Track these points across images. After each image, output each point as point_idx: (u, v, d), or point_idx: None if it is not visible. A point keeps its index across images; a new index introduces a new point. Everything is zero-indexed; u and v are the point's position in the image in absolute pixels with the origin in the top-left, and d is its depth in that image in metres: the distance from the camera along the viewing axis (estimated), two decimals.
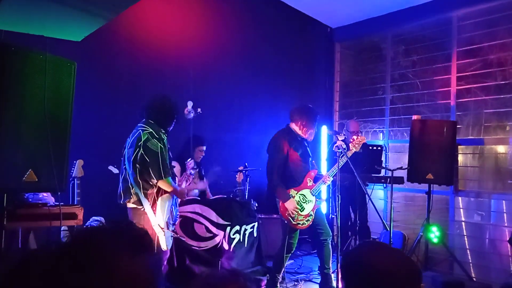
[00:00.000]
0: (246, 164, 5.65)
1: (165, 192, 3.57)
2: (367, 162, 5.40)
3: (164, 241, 3.53)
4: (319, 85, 7.39)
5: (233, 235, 4.86)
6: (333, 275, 4.51)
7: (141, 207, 3.48)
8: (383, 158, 5.89)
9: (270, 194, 4.53)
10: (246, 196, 5.61)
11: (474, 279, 5.11)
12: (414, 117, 5.46)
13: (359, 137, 4.63)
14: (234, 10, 6.22)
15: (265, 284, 4.61)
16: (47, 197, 3.38)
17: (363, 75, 7.11)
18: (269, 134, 6.38)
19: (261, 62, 6.48)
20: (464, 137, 5.70)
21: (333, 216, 6.42)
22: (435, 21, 6.08)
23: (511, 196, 5.20)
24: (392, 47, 6.72)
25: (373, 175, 5.47)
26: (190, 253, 4.59)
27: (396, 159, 6.50)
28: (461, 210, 5.71)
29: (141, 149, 3.41)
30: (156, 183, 3.47)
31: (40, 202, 3.14)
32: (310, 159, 4.46)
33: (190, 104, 5.04)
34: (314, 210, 4.36)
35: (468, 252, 5.50)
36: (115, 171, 4.43)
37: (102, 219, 4.28)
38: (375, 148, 5.69)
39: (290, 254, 4.39)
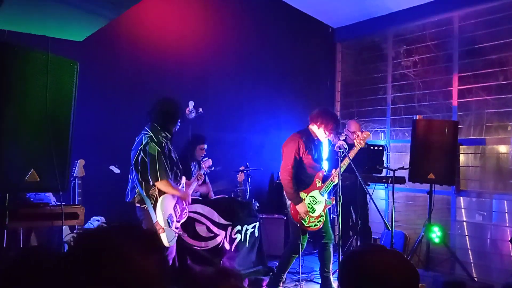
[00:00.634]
0: (248, 164, 5.65)
1: (165, 192, 3.69)
2: (369, 162, 5.39)
3: (165, 238, 3.62)
4: (320, 85, 7.38)
5: (235, 235, 4.86)
6: (332, 277, 4.52)
7: (144, 206, 3.68)
8: (384, 158, 5.87)
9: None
10: (247, 196, 5.61)
11: (476, 279, 5.11)
12: (416, 117, 5.45)
13: (363, 132, 4.64)
14: (235, 10, 6.22)
15: (266, 284, 4.61)
16: (49, 196, 3.38)
17: (364, 75, 7.10)
18: (270, 134, 6.40)
19: (262, 62, 6.48)
20: (466, 137, 5.70)
21: (334, 216, 6.42)
22: (437, 21, 6.08)
23: None
24: (393, 47, 6.72)
25: (374, 175, 5.46)
26: (191, 253, 4.60)
27: (398, 159, 6.50)
28: (463, 210, 5.70)
29: (142, 153, 3.61)
30: (155, 184, 3.62)
31: (41, 202, 3.14)
32: (322, 162, 4.49)
33: (191, 104, 5.05)
34: (325, 210, 4.38)
35: (470, 252, 5.50)
36: (116, 171, 4.44)
37: (103, 219, 4.29)
38: (376, 148, 5.68)
39: (297, 255, 4.38)
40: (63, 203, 2.78)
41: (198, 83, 5.70)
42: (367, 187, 4.74)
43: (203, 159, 4.90)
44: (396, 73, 6.66)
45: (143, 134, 3.67)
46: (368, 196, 4.71)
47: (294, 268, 5.37)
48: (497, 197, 5.36)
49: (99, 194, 4.38)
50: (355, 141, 4.44)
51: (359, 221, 5.42)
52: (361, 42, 7.29)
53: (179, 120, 3.88)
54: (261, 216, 5.40)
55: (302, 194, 4.27)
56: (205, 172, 4.83)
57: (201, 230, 4.68)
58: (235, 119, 6.19)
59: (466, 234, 5.60)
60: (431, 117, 6.08)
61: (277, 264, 4.63)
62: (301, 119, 6.62)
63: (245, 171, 5.60)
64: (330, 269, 4.48)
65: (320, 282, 4.61)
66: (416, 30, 6.36)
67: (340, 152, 4.24)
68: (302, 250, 4.42)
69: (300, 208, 4.21)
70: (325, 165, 5.86)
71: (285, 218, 5.45)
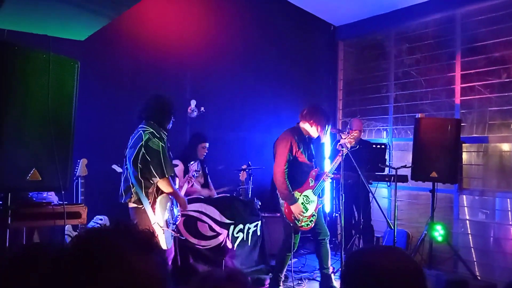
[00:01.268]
0: (250, 162, 5.64)
1: (164, 192, 3.61)
2: (371, 161, 5.38)
3: (163, 240, 3.56)
4: (322, 84, 7.37)
5: (237, 233, 4.86)
6: (333, 276, 4.51)
7: (141, 206, 3.54)
8: (386, 157, 5.87)
9: (273, 194, 4.49)
10: (250, 194, 5.61)
11: (479, 277, 5.09)
12: (418, 115, 5.44)
13: (352, 131, 4.63)
14: (236, 8, 6.21)
15: (268, 283, 4.60)
16: (51, 196, 3.39)
17: (366, 73, 7.09)
18: (272, 133, 6.38)
19: (264, 60, 6.47)
20: (468, 135, 5.68)
21: (336, 214, 6.41)
22: (439, 19, 6.06)
23: None
24: (395, 45, 6.70)
25: (376, 173, 5.46)
26: (193, 252, 4.60)
27: (400, 157, 6.48)
28: (466, 208, 5.69)
29: (143, 149, 3.48)
30: (157, 182, 3.53)
31: (44, 201, 3.14)
32: (314, 160, 4.45)
33: (193, 103, 5.06)
34: (317, 210, 4.35)
35: (473, 250, 5.48)
36: (119, 170, 4.43)
37: (105, 218, 4.29)
38: (378, 146, 5.68)
39: (291, 254, 4.37)
40: (66, 202, 2.78)
41: (200, 82, 5.70)
42: (369, 185, 4.74)
43: (190, 163, 4.80)
44: (398, 71, 6.64)
45: (141, 131, 3.56)
46: (370, 194, 4.70)
47: (297, 267, 5.38)
48: (500, 195, 5.35)
49: (101, 193, 4.39)
50: (345, 140, 4.34)
51: (362, 220, 5.42)
52: (363, 40, 7.27)
53: (172, 118, 3.80)
54: (263, 214, 5.40)
55: (296, 194, 4.22)
56: (193, 175, 4.74)
57: (203, 229, 4.68)
58: (237, 117, 6.18)
59: (469, 232, 5.59)
60: (433, 115, 6.06)
61: (274, 264, 4.62)
62: None
63: (247, 170, 5.59)
64: (329, 265, 4.45)
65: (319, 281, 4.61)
66: (418, 28, 6.34)
67: (342, 150, 4.23)
68: (295, 249, 4.40)
69: (295, 208, 4.17)
70: (327, 164, 5.87)
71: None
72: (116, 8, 2.53)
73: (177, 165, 4.61)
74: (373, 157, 5.47)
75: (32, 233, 3.52)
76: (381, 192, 6.33)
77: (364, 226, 5.48)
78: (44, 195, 3.28)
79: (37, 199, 3.14)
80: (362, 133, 6.01)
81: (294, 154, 4.21)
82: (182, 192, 4.35)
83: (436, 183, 5.15)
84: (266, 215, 5.58)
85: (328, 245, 4.42)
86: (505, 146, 5.51)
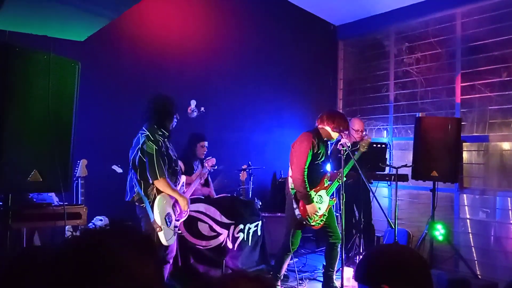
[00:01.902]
0: (250, 162, 5.64)
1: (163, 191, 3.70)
2: (371, 160, 5.37)
3: (163, 237, 3.62)
4: (322, 83, 7.36)
5: (237, 234, 4.86)
6: (335, 276, 4.52)
7: (142, 204, 3.68)
8: (387, 156, 5.86)
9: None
10: (250, 194, 5.61)
11: (480, 276, 5.09)
12: (419, 114, 5.43)
13: (365, 138, 4.69)
14: (237, 9, 6.21)
15: None
16: (51, 197, 3.39)
17: (366, 72, 7.08)
18: (272, 133, 6.39)
19: (264, 60, 6.47)
20: (469, 134, 5.68)
21: (337, 214, 6.41)
22: (439, 18, 6.05)
23: None
24: (395, 44, 6.69)
25: (377, 172, 5.45)
26: (194, 252, 4.60)
27: (400, 156, 6.48)
28: (466, 207, 5.68)
29: (139, 152, 3.62)
30: (154, 182, 3.63)
31: (44, 202, 3.14)
32: (328, 162, 4.50)
33: (193, 103, 5.04)
34: (327, 210, 4.39)
35: (473, 249, 5.48)
36: (119, 170, 4.43)
37: (105, 218, 4.29)
38: (379, 145, 5.67)
39: (291, 254, 4.39)
40: (66, 203, 2.79)
41: (200, 82, 5.70)
42: (370, 185, 4.74)
43: (207, 158, 4.90)
44: (398, 71, 6.64)
45: (140, 134, 3.69)
46: (371, 194, 4.70)
47: (298, 267, 5.38)
48: (501, 194, 5.34)
49: (101, 194, 4.39)
50: (359, 144, 4.44)
51: (362, 219, 5.42)
52: (363, 39, 7.27)
53: (175, 116, 3.86)
54: (263, 214, 5.40)
55: (312, 193, 4.28)
56: (209, 171, 4.83)
57: (204, 229, 4.68)
58: (237, 117, 6.18)
59: (470, 231, 5.58)
60: (434, 114, 6.06)
61: (273, 264, 4.63)
62: (303, 117, 6.63)
63: (247, 170, 5.59)
64: (335, 269, 4.49)
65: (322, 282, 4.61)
66: (418, 27, 6.33)
67: (344, 150, 4.23)
68: (295, 248, 4.42)
69: (310, 208, 4.23)
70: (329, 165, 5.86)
71: None
72: (115, 8, 2.53)
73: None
74: (374, 157, 5.46)
75: (33, 234, 3.52)
76: (382, 191, 6.33)
77: (365, 225, 5.48)
78: (44, 196, 3.28)
79: (38, 200, 3.15)
80: (363, 133, 6.00)
81: (313, 155, 4.25)
82: (192, 189, 4.41)
83: (436, 182, 5.15)
84: (266, 215, 5.58)
85: (338, 249, 4.43)
86: (505, 145, 5.50)
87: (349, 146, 4.26)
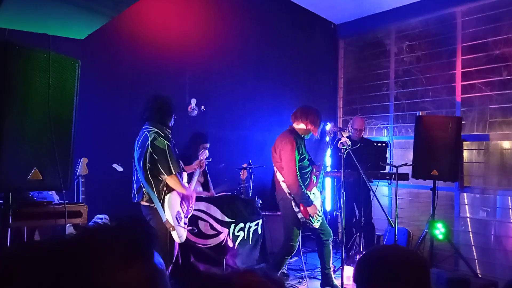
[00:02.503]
0: (250, 161, 5.64)
1: (172, 189, 3.73)
2: (372, 159, 5.38)
3: (176, 235, 3.68)
4: (322, 82, 7.36)
5: (238, 232, 4.86)
6: (334, 274, 4.52)
7: (152, 204, 3.69)
8: (387, 155, 5.86)
9: (274, 193, 4.53)
10: (250, 193, 5.60)
11: (480, 275, 5.09)
12: (419, 113, 5.43)
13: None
14: (237, 7, 6.20)
15: None
16: (52, 195, 3.38)
17: (367, 71, 7.08)
18: (273, 131, 6.37)
19: (264, 59, 6.46)
20: (469, 133, 5.67)
21: (337, 213, 6.41)
22: (439, 16, 6.05)
23: None
24: (396, 43, 6.69)
25: (377, 171, 5.46)
26: (194, 251, 4.60)
27: (401, 155, 6.48)
28: (466, 206, 5.68)
29: (150, 148, 3.59)
30: (165, 179, 3.65)
31: (45, 200, 3.14)
32: (310, 157, 4.49)
33: (193, 101, 5.06)
34: (321, 205, 4.40)
35: (473, 248, 5.48)
36: (119, 169, 4.44)
37: (106, 217, 4.29)
38: (379, 144, 5.67)
39: (289, 257, 4.40)
40: (66, 202, 2.78)
41: (200, 80, 5.70)
42: (370, 183, 4.74)
43: (201, 151, 4.82)
44: (399, 69, 6.63)
45: (146, 132, 3.68)
46: (371, 192, 4.70)
47: (298, 265, 5.38)
48: (501, 193, 5.34)
49: (102, 192, 4.39)
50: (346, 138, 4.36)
51: (363, 218, 5.42)
52: (363, 38, 7.26)
53: (173, 115, 3.91)
54: (264, 213, 5.40)
55: (308, 193, 4.28)
56: (206, 163, 4.79)
57: (204, 227, 4.68)
58: (237, 116, 6.18)
59: (470, 230, 5.58)
60: (434, 113, 6.06)
61: (270, 264, 4.62)
62: None
63: (247, 169, 5.59)
64: (331, 265, 4.48)
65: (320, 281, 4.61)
66: (418, 26, 6.33)
67: (344, 148, 4.23)
68: (294, 252, 4.42)
69: (311, 209, 4.21)
70: (327, 162, 5.86)
71: None
72: (116, 7, 2.52)
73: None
74: (374, 155, 5.47)
75: (33, 232, 3.52)
76: (382, 190, 6.32)
77: (365, 224, 5.48)
78: (45, 194, 3.28)
79: (38, 199, 3.14)
80: (364, 132, 6.01)
81: (298, 156, 4.24)
82: (194, 181, 4.42)
83: (437, 181, 5.15)
84: (267, 213, 5.58)
85: (330, 245, 4.44)
86: (506, 144, 5.50)
87: (349, 145, 4.26)
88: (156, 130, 3.67)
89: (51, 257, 0.78)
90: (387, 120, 6.71)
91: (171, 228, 3.62)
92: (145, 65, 5.23)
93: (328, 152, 4.37)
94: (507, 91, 5.36)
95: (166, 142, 3.63)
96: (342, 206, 4.25)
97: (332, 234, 4.49)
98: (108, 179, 4.47)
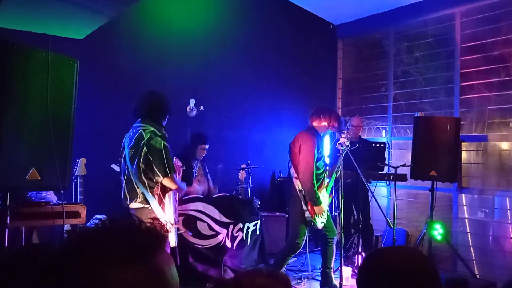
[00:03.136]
0: (249, 161, 5.64)
1: (170, 189, 3.55)
2: (370, 159, 5.38)
3: (173, 238, 3.58)
4: (321, 82, 7.36)
5: (236, 233, 4.85)
6: (334, 275, 4.52)
7: (148, 205, 3.45)
8: (386, 155, 5.87)
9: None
10: (249, 194, 5.60)
11: (478, 276, 5.09)
12: (418, 113, 5.44)
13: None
14: (236, 7, 6.20)
15: None
16: (50, 195, 3.37)
17: (365, 72, 7.09)
18: (271, 132, 6.38)
19: (263, 59, 6.46)
20: (468, 134, 5.68)
21: (336, 213, 6.41)
22: (438, 17, 6.06)
23: None
24: (394, 43, 6.70)
25: (376, 172, 5.46)
26: (193, 251, 4.59)
27: (399, 156, 6.48)
28: (465, 207, 5.69)
29: (145, 148, 3.37)
30: (161, 180, 3.44)
31: (43, 200, 3.13)
32: (324, 159, 4.51)
33: (192, 102, 5.04)
34: (327, 207, 4.42)
35: (472, 249, 5.48)
36: (118, 169, 4.42)
37: (104, 217, 4.27)
38: (378, 145, 5.67)
39: (294, 254, 4.40)
40: (65, 202, 2.77)
41: (199, 80, 5.69)
42: (368, 184, 4.74)
43: (195, 176, 4.88)
44: (397, 70, 6.64)
45: (141, 130, 3.44)
46: (369, 193, 4.70)
47: (296, 266, 5.38)
48: (499, 194, 5.35)
49: (100, 193, 4.38)
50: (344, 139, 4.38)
51: (361, 219, 5.42)
52: (362, 39, 7.27)
53: (168, 115, 3.67)
54: (262, 214, 5.40)
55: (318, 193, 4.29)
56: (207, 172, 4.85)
57: (202, 228, 4.68)
58: (236, 116, 6.18)
59: (468, 231, 5.59)
60: (433, 114, 6.06)
61: (272, 262, 4.63)
62: (302, 116, 6.60)
63: (246, 169, 5.59)
64: (332, 266, 4.48)
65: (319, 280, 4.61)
66: (417, 27, 6.33)
67: (342, 149, 4.23)
68: (298, 250, 4.43)
69: (318, 209, 4.23)
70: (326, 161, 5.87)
71: (287, 216, 5.44)
72: (115, 7, 2.52)
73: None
74: (373, 156, 5.47)
75: (31, 232, 3.51)
76: (381, 191, 6.33)
77: (364, 225, 5.48)
78: (43, 195, 3.27)
79: (36, 199, 3.14)
80: (362, 131, 6.01)
81: (317, 154, 4.26)
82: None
83: (435, 182, 5.15)
84: (265, 214, 5.58)
85: (334, 245, 4.45)
86: (504, 145, 5.51)
87: (348, 146, 4.26)
88: (153, 129, 3.43)
89: (48, 258, 0.77)
90: (386, 120, 6.72)
91: (172, 229, 3.45)
92: (144, 65, 5.22)
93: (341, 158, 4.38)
94: (505, 92, 5.36)
95: (163, 142, 3.40)
96: (340, 206, 4.25)
97: (336, 233, 4.51)
98: (107, 180, 4.46)
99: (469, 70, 5.67)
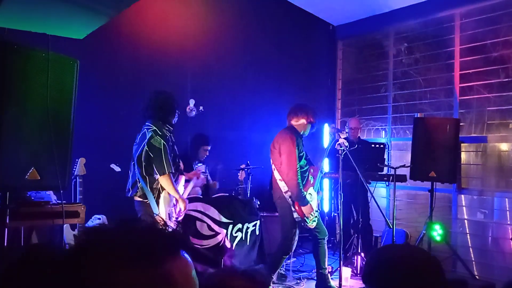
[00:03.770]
0: (248, 162, 5.64)
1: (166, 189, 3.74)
2: (370, 160, 5.39)
3: None
4: (321, 83, 7.37)
5: (235, 233, 4.85)
6: (330, 276, 4.51)
7: (146, 200, 3.70)
8: (385, 156, 5.87)
9: (271, 192, 4.51)
10: (248, 194, 5.60)
11: (477, 277, 5.10)
12: (417, 114, 5.44)
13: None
14: (236, 7, 6.20)
15: None
16: (50, 195, 3.37)
17: (365, 72, 7.09)
18: (271, 132, 6.35)
19: (263, 59, 6.46)
20: (467, 135, 5.69)
21: (335, 214, 6.42)
22: (438, 18, 6.06)
23: None
24: (394, 44, 6.70)
25: (375, 173, 5.46)
26: (192, 251, 4.58)
27: (399, 157, 6.49)
28: (464, 208, 5.69)
29: (146, 146, 3.61)
30: (157, 178, 3.66)
31: (42, 200, 3.13)
32: (308, 157, 4.48)
33: (192, 102, 5.04)
34: (317, 206, 4.39)
35: (471, 250, 5.49)
36: (117, 169, 4.43)
37: (104, 217, 4.28)
38: (377, 146, 5.68)
39: (287, 256, 4.39)
40: (64, 202, 2.77)
41: (199, 81, 5.69)
42: (368, 185, 4.74)
43: (198, 165, 4.91)
44: (397, 71, 6.64)
45: (146, 129, 3.70)
46: (369, 194, 4.70)
47: (295, 266, 5.38)
48: (498, 195, 5.35)
49: (100, 193, 4.38)
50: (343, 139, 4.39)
51: (360, 219, 5.42)
52: (362, 39, 7.27)
53: (177, 112, 3.92)
54: (262, 214, 5.39)
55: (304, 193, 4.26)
56: (202, 172, 4.86)
57: (202, 228, 4.68)
58: (236, 117, 6.18)
59: (468, 232, 5.59)
60: (432, 114, 6.07)
61: (267, 264, 4.61)
62: None
63: (246, 169, 5.59)
64: (326, 265, 4.46)
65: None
66: (417, 28, 6.34)
67: (341, 150, 4.23)
68: (292, 251, 4.42)
69: (306, 209, 4.19)
70: (326, 162, 5.87)
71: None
72: (115, 6, 2.52)
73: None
74: (372, 157, 5.47)
75: (31, 232, 3.51)
76: (380, 191, 6.33)
77: (363, 225, 5.48)
78: (43, 194, 3.27)
79: (36, 198, 3.13)
80: (360, 132, 6.02)
81: (298, 152, 4.23)
82: (190, 188, 4.44)
83: (434, 183, 5.15)
84: (265, 214, 5.57)
85: (326, 245, 4.42)
86: (503, 146, 5.52)
87: (346, 146, 4.26)
88: (155, 128, 3.67)
89: (52, 259, 0.77)
90: (385, 121, 6.72)
91: (162, 222, 3.59)
92: (144, 65, 5.22)
93: (326, 154, 4.36)
94: (505, 93, 5.37)
95: (162, 141, 3.62)
96: (340, 207, 4.25)
97: (327, 233, 4.48)
98: (106, 180, 4.46)
99: (469, 71, 5.68)
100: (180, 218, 3.96)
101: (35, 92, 2.47)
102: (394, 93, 6.64)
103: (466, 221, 5.65)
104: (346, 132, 4.94)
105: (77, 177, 3.89)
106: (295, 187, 4.15)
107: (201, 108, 5.04)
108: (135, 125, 3.96)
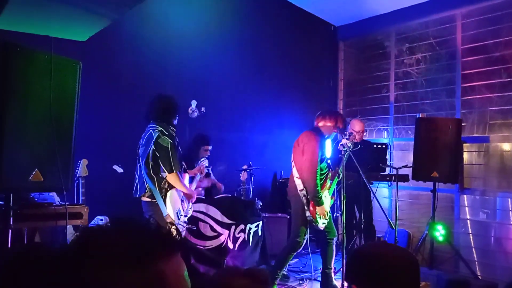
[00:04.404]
0: (251, 163, 5.65)
1: (174, 186, 3.85)
2: (372, 161, 5.38)
3: (174, 232, 3.64)
4: (323, 84, 7.37)
5: (238, 234, 4.86)
6: (334, 276, 4.52)
7: (154, 200, 3.79)
8: (387, 156, 5.86)
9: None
10: (251, 195, 5.61)
11: (480, 277, 5.09)
12: (419, 115, 5.44)
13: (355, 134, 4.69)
14: (237, 8, 6.21)
15: None
16: (53, 196, 3.39)
17: (367, 73, 7.09)
18: (273, 133, 6.39)
19: (264, 60, 6.47)
20: (469, 135, 5.68)
21: (337, 214, 6.41)
22: (439, 19, 6.06)
23: None
24: (396, 45, 6.70)
25: (377, 173, 5.46)
26: (195, 252, 4.60)
27: (401, 157, 6.48)
28: (466, 208, 5.69)
29: (153, 146, 3.72)
30: (166, 176, 3.76)
31: (45, 201, 3.14)
32: (328, 160, 4.51)
33: (194, 103, 5.05)
34: (329, 208, 4.42)
35: (474, 250, 5.48)
36: (120, 170, 4.44)
37: (106, 218, 4.29)
38: (379, 146, 5.67)
39: (295, 253, 4.41)
40: (67, 203, 2.79)
41: (201, 82, 5.70)
42: (370, 185, 4.74)
43: (201, 160, 4.95)
44: (399, 71, 6.64)
45: (151, 130, 3.79)
46: (371, 194, 4.70)
47: (298, 267, 5.38)
48: (501, 195, 5.35)
49: (102, 194, 4.39)
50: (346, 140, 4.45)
51: (363, 220, 5.41)
52: (363, 40, 7.27)
53: (177, 113, 4.05)
54: (264, 215, 5.40)
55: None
56: (206, 168, 4.90)
57: (204, 229, 4.69)
58: (238, 118, 6.19)
59: (470, 232, 5.58)
60: (434, 115, 6.06)
61: (274, 261, 4.63)
62: (304, 118, 6.63)
63: (248, 170, 5.59)
64: (332, 266, 4.48)
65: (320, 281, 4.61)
66: (418, 28, 6.34)
67: (344, 150, 4.24)
68: (300, 248, 4.44)
69: (320, 209, 4.24)
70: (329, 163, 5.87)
71: (288, 217, 5.44)
72: (117, 9, 2.53)
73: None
74: (374, 157, 5.47)
75: (34, 233, 3.52)
76: (382, 192, 6.33)
77: (365, 226, 5.47)
78: (46, 196, 3.28)
79: (39, 200, 3.15)
80: (364, 133, 6.01)
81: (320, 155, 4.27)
82: (194, 185, 4.53)
83: (437, 183, 5.15)
84: (267, 215, 5.58)
85: (334, 245, 4.46)
86: (506, 146, 5.51)
87: (349, 147, 4.26)
88: (161, 128, 3.78)
89: (51, 258, 0.78)
90: (387, 122, 6.72)
91: (172, 222, 3.67)
92: (146, 67, 5.24)
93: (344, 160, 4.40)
94: (507, 93, 5.37)
95: (169, 140, 3.75)
96: (342, 207, 4.25)
97: (336, 234, 4.53)
98: (108, 181, 4.47)
99: (471, 71, 5.68)
100: (188, 215, 4.04)
101: (38, 94, 2.49)
102: (396, 94, 6.64)
103: (468, 221, 5.64)
104: (349, 133, 4.94)
105: (80, 178, 3.91)
106: (313, 188, 4.21)
107: (203, 109, 5.05)
108: (137, 126, 4.00)
